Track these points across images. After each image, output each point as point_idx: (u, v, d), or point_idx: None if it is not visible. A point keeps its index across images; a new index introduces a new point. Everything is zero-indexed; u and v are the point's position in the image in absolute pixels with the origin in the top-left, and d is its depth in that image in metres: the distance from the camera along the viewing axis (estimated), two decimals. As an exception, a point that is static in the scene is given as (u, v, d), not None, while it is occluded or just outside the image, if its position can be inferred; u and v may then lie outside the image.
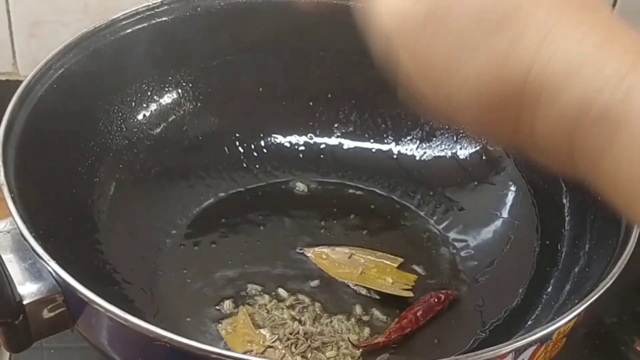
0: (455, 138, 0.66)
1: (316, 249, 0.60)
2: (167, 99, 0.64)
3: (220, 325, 0.54)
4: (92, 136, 0.59)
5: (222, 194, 0.64)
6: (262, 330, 0.54)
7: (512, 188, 0.63)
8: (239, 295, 0.57)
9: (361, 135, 0.68)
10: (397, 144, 0.68)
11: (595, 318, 0.61)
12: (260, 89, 0.67)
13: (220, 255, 0.60)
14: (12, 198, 0.46)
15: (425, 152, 0.67)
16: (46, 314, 0.45)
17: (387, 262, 0.59)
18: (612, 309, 0.62)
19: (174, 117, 0.65)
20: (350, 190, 0.66)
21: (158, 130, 0.64)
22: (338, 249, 0.60)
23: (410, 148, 0.67)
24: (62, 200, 0.54)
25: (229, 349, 0.52)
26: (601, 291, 0.45)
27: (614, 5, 0.77)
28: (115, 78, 0.61)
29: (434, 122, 0.66)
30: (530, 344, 0.44)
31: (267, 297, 0.56)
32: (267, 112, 0.67)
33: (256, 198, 0.64)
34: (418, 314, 0.55)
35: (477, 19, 0.33)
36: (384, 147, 0.68)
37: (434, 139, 0.67)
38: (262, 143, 0.67)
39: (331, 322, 0.55)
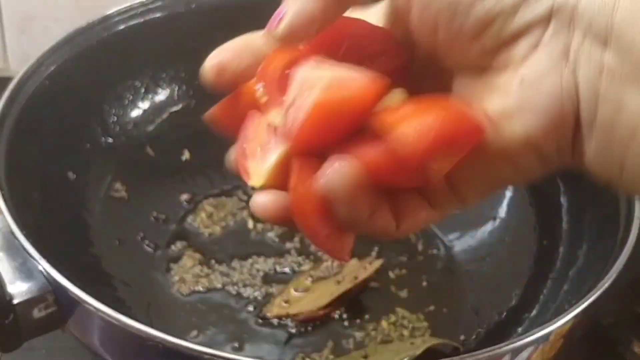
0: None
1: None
2: (161, 96, 0.64)
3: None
4: (84, 133, 0.59)
5: (216, 191, 0.64)
6: None
7: (510, 188, 0.62)
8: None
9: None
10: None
11: (593, 319, 0.61)
12: (255, 87, 0.67)
13: (213, 254, 0.59)
14: (3, 196, 0.46)
15: (421, 151, 0.67)
16: (37, 313, 0.45)
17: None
18: (609, 309, 0.62)
19: (167, 114, 0.64)
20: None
21: (152, 127, 0.63)
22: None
23: (406, 147, 0.67)
24: (54, 199, 0.54)
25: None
26: (599, 292, 0.45)
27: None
28: (108, 75, 0.60)
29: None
30: (527, 345, 0.43)
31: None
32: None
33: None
34: None
35: None
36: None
37: (430, 137, 0.66)
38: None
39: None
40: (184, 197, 0.63)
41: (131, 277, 0.56)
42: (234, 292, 0.56)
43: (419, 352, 0.50)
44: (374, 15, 0.38)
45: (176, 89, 0.65)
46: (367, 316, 0.56)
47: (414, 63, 0.37)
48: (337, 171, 0.32)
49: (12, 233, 0.45)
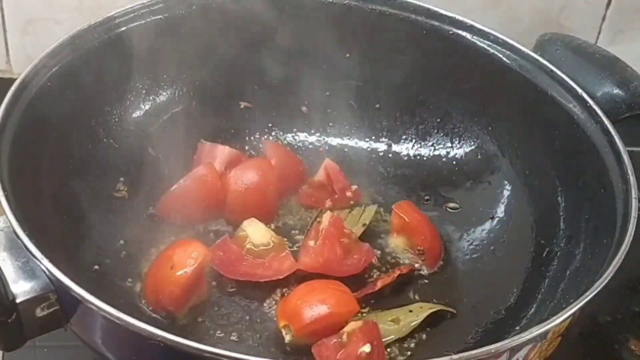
0: (450, 137, 0.66)
1: None
2: (162, 97, 0.64)
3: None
4: (86, 134, 0.59)
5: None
6: None
7: (507, 187, 0.63)
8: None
9: (356, 133, 0.68)
10: (392, 142, 0.68)
11: (590, 317, 0.61)
12: (256, 87, 0.67)
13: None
14: (6, 196, 0.46)
15: (420, 151, 0.67)
16: (39, 312, 0.45)
17: None
18: (606, 308, 0.62)
19: (169, 115, 0.64)
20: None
21: (153, 128, 0.63)
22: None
23: (405, 147, 0.67)
24: (56, 199, 0.54)
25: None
26: (596, 291, 0.46)
27: (608, 4, 0.77)
28: (109, 76, 0.60)
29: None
30: (525, 343, 0.44)
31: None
32: (263, 111, 0.67)
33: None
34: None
35: None
36: (379, 146, 0.68)
37: (429, 138, 0.67)
38: (259, 141, 0.67)
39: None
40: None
41: (133, 276, 0.56)
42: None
43: (420, 319, 0.55)
44: None
45: (177, 90, 0.65)
46: (368, 316, 0.56)
47: None
48: None
49: (15, 233, 0.45)
